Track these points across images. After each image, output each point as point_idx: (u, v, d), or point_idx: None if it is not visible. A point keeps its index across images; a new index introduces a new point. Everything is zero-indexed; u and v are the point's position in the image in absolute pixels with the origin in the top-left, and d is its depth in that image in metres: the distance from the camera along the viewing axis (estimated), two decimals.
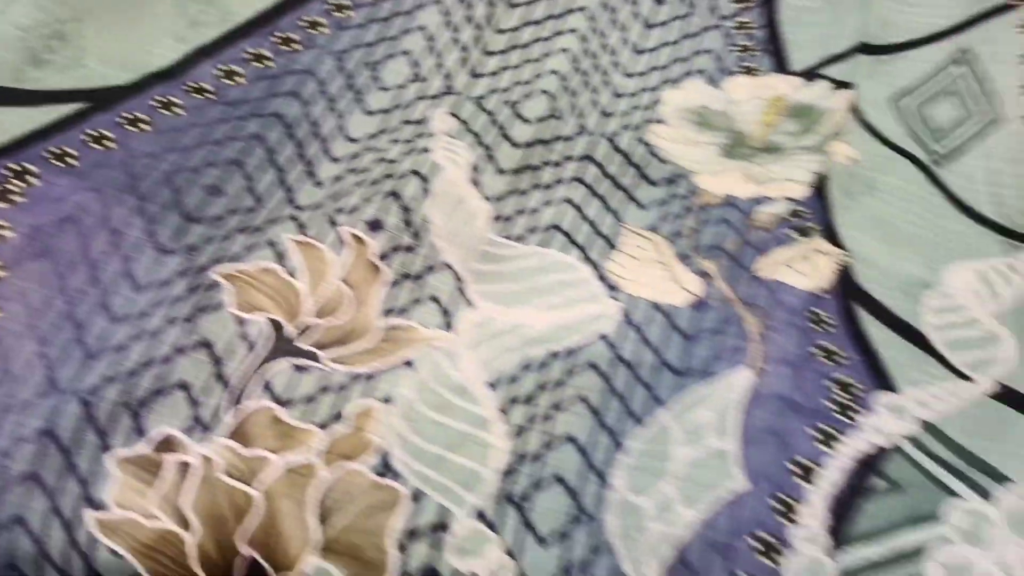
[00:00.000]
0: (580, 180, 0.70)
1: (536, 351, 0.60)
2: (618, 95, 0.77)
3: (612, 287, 0.63)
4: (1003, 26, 0.76)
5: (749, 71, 0.79)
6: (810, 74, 0.77)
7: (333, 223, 0.61)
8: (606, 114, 0.75)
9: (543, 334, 0.61)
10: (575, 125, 0.73)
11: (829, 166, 0.70)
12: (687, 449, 0.54)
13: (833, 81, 0.76)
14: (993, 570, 0.50)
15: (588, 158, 0.71)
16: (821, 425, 0.55)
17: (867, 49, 0.77)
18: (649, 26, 0.82)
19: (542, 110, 0.73)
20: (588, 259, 0.64)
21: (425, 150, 0.67)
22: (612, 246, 0.65)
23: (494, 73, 0.75)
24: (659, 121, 0.75)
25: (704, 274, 0.63)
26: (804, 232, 0.66)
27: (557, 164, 0.71)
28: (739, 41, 0.81)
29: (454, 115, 0.70)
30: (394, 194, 0.63)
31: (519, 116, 0.72)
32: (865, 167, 0.71)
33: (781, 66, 0.79)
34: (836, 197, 0.69)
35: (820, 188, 0.69)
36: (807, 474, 0.53)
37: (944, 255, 0.66)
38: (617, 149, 0.72)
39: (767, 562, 0.50)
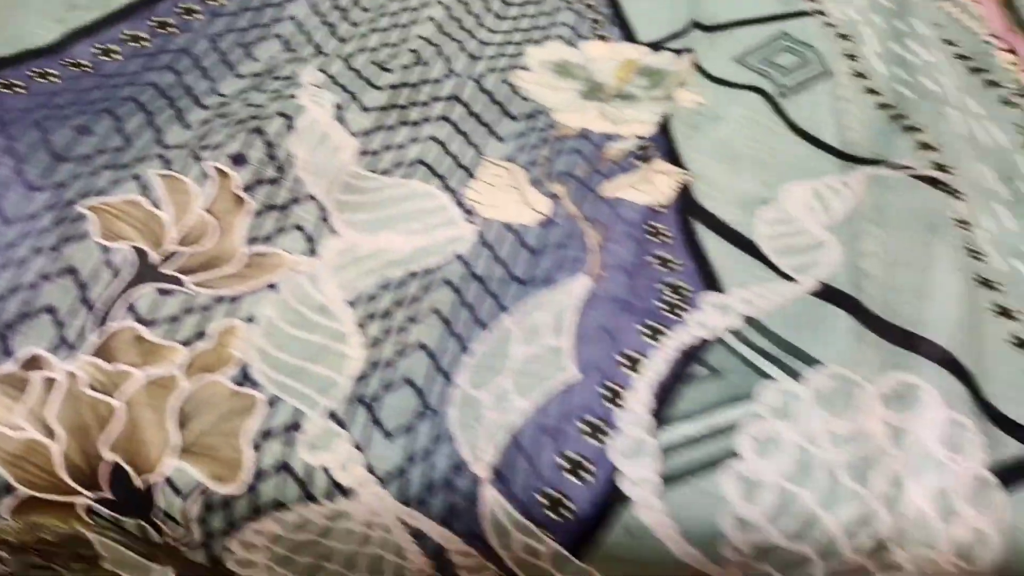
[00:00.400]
0: (446, 118, 0.74)
1: (396, 272, 0.64)
2: (484, 43, 0.83)
3: (469, 212, 0.67)
4: (809, 22, 0.89)
5: (603, 39, 0.86)
6: (655, 46, 0.86)
7: (198, 159, 0.65)
8: (474, 58, 0.80)
9: (403, 257, 0.65)
10: (443, 68, 0.78)
11: (675, 108, 0.77)
12: (525, 347, 0.58)
13: (675, 51, 0.85)
14: (798, 439, 0.55)
15: (455, 98, 0.76)
16: (650, 322, 0.60)
17: (700, 27, 0.87)
18: (507, 3, 0.90)
19: (407, 60, 0.78)
20: (448, 188, 0.69)
21: (292, 96, 0.71)
22: (471, 175, 0.70)
23: (363, 36, 0.81)
24: (524, 68, 0.81)
25: (553, 196, 0.68)
26: (647, 160, 0.71)
27: (425, 104, 0.75)
28: (588, 16, 0.89)
29: (322, 71, 0.75)
30: (258, 131, 0.66)
31: (384, 69, 0.77)
32: (710, 106, 0.78)
33: (630, 37, 0.87)
34: (680, 130, 0.75)
35: (665, 125, 0.75)
36: (634, 365, 0.58)
37: (782, 175, 0.72)
38: (483, 89, 0.77)
39: (594, 442, 0.54)
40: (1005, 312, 0.64)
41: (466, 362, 0.59)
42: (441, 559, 0.57)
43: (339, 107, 0.71)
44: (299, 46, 0.78)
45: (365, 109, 0.72)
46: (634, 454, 0.55)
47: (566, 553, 0.55)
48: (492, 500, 0.54)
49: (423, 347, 0.60)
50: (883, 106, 0.79)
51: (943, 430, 0.55)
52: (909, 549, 0.52)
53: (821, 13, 0.90)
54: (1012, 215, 0.70)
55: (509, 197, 0.68)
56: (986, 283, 0.65)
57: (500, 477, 0.54)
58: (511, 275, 0.63)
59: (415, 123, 0.73)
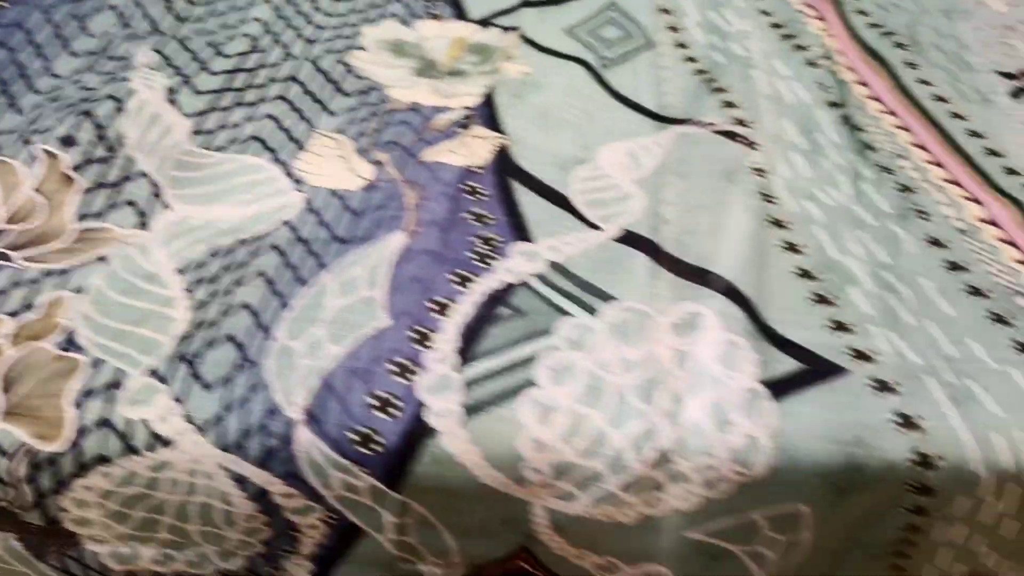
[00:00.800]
0: (283, 97, 0.78)
1: (226, 240, 0.67)
2: (320, 28, 0.87)
3: (298, 181, 0.71)
4: None
5: (435, 17, 0.91)
6: (484, 23, 0.91)
7: (27, 142, 0.67)
8: (310, 41, 0.84)
9: (234, 226, 0.68)
10: (280, 54, 0.82)
11: (500, 80, 0.82)
12: (340, 300, 0.62)
13: (502, 27, 0.90)
14: (591, 366, 0.59)
15: (292, 78, 0.80)
16: (460, 271, 0.64)
17: (529, 4, 0.92)
18: None
19: (243, 47, 0.82)
20: (278, 160, 0.72)
21: (124, 79, 0.74)
22: (302, 148, 0.73)
23: (200, 19, 0.84)
24: (360, 48, 0.85)
25: (377, 163, 0.72)
26: (467, 127, 0.76)
27: (262, 86, 0.79)
28: None
29: (157, 51, 0.78)
30: (87, 113, 0.69)
31: (220, 53, 0.81)
32: (535, 76, 0.83)
33: (461, 15, 0.92)
34: (502, 99, 0.79)
35: (490, 96, 0.80)
36: (443, 309, 0.62)
37: (600, 137, 0.77)
38: (319, 69, 0.81)
39: (402, 381, 0.58)
40: (792, 247, 0.69)
41: (285, 317, 0.62)
42: (266, 502, 0.61)
43: (171, 90, 0.75)
44: (134, 20, 0.81)
45: (198, 92, 0.76)
46: (439, 389, 0.58)
47: (381, 486, 0.59)
48: (306, 440, 0.57)
49: (246, 307, 0.63)
50: (699, 72, 0.85)
51: (720, 349, 0.60)
52: (690, 458, 0.57)
53: None
54: (808, 163, 0.76)
55: (336, 166, 0.72)
56: (777, 223, 0.71)
57: (312, 418, 0.57)
58: (333, 236, 0.67)
59: (251, 104, 0.77)
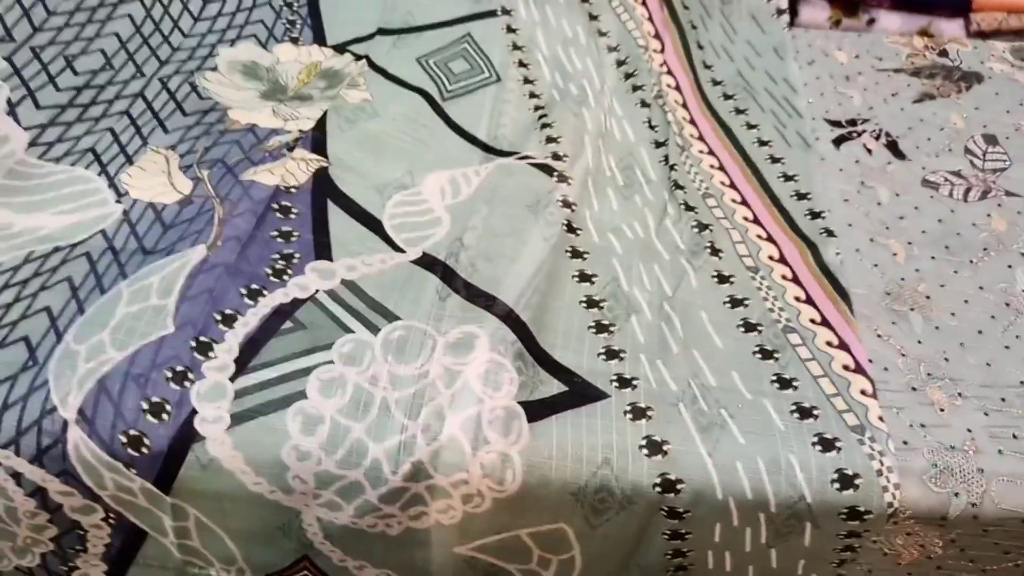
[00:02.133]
0: (127, 113, 0.81)
1: (43, 247, 0.70)
2: (176, 48, 0.90)
3: (121, 193, 0.74)
4: (493, 25, 0.97)
5: (295, 41, 0.94)
6: (340, 48, 0.94)
7: None
8: (162, 62, 0.87)
9: (53, 233, 0.71)
10: (131, 71, 0.85)
11: (337, 104, 0.85)
12: (131, 307, 0.64)
13: (355, 55, 0.93)
14: (360, 381, 0.62)
15: (140, 96, 0.83)
16: (253, 285, 0.67)
17: (385, 32, 0.95)
18: (207, 1, 0.97)
19: (95, 64, 0.85)
20: (106, 172, 0.75)
21: None
22: (131, 162, 0.76)
23: (58, 29, 0.87)
24: (212, 69, 0.88)
25: (196, 179, 0.75)
26: (292, 150, 0.79)
27: (109, 102, 0.82)
28: (286, 16, 0.97)
29: (7, 59, 0.81)
30: None
31: (71, 67, 0.84)
32: (374, 103, 0.86)
33: (320, 40, 0.95)
34: (334, 123, 0.83)
35: (323, 120, 0.83)
36: (229, 321, 0.64)
37: (428, 165, 0.81)
38: (167, 89, 0.84)
39: (177, 387, 0.61)
40: (585, 277, 0.72)
41: (78, 321, 0.65)
42: (45, 499, 0.63)
43: (10, 103, 0.78)
44: None
45: (39, 107, 0.79)
46: (211, 397, 0.61)
47: (153, 488, 0.61)
48: (77, 439, 0.59)
49: (47, 310, 0.66)
50: (536, 108, 0.89)
51: (485, 369, 0.63)
52: (446, 473, 0.60)
53: (509, 13, 0.99)
54: (620, 198, 0.80)
55: (157, 180, 0.75)
56: (576, 253, 0.74)
57: (85, 419, 0.60)
58: (141, 247, 0.70)
59: (95, 119, 0.80)
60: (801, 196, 0.82)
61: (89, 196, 0.74)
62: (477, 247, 0.72)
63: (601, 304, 0.71)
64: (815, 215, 0.80)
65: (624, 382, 0.65)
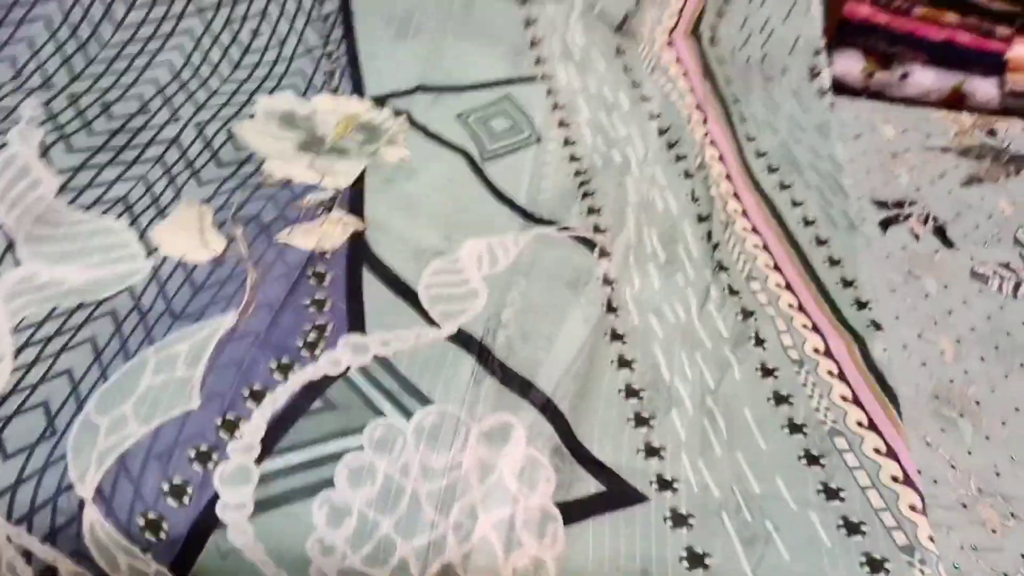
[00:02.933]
0: (161, 160, 0.79)
1: (69, 301, 0.68)
2: (213, 92, 0.88)
3: (151, 248, 0.71)
4: (534, 89, 0.96)
5: (334, 92, 0.92)
6: (380, 101, 0.92)
7: None
8: (199, 107, 0.85)
9: (79, 287, 0.69)
10: (167, 115, 0.83)
11: (376, 163, 0.83)
12: (156, 377, 0.62)
13: (394, 109, 0.91)
14: (391, 471, 0.59)
15: (175, 142, 0.81)
16: (284, 359, 0.64)
17: (425, 89, 0.93)
18: (246, 51, 0.95)
19: (131, 110, 0.83)
20: (136, 225, 0.73)
21: (3, 132, 0.75)
22: (164, 215, 0.74)
23: (97, 76, 0.86)
24: (250, 117, 0.86)
25: (231, 238, 0.73)
26: (331, 210, 0.76)
27: (143, 147, 0.80)
28: (325, 67, 0.95)
29: (45, 105, 0.79)
30: None
31: (108, 113, 0.82)
32: (413, 162, 0.84)
33: (358, 91, 0.93)
34: (373, 183, 0.80)
35: (361, 178, 0.81)
36: (257, 398, 0.62)
37: (467, 230, 0.78)
38: (202, 135, 0.82)
39: (200, 468, 0.58)
40: (625, 363, 0.70)
41: (99, 389, 0.62)
42: None
43: (43, 145, 0.76)
44: (28, 74, 0.83)
45: (72, 149, 0.77)
46: (235, 481, 0.58)
47: (169, 574, 0.59)
48: (93, 520, 0.57)
49: (68, 373, 0.63)
50: (578, 173, 0.87)
51: (521, 466, 0.60)
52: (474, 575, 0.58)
53: (548, 78, 0.97)
54: (662, 276, 0.77)
55: (190, 236, 0.72)
56: (616, 336, 0.72)
57: (103, 498, 0.57)
58: (169, 309, 0.67)
59: (128, 164, 0.78)
60: (847, 283, 0.79)
61: (118, 249, 0.71)
62: (514, 325, 0.70)
63: (641, 394, 0.68)
64: (861, 305, 0.77)
65: (664, 484, 0.62)
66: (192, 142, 0.81)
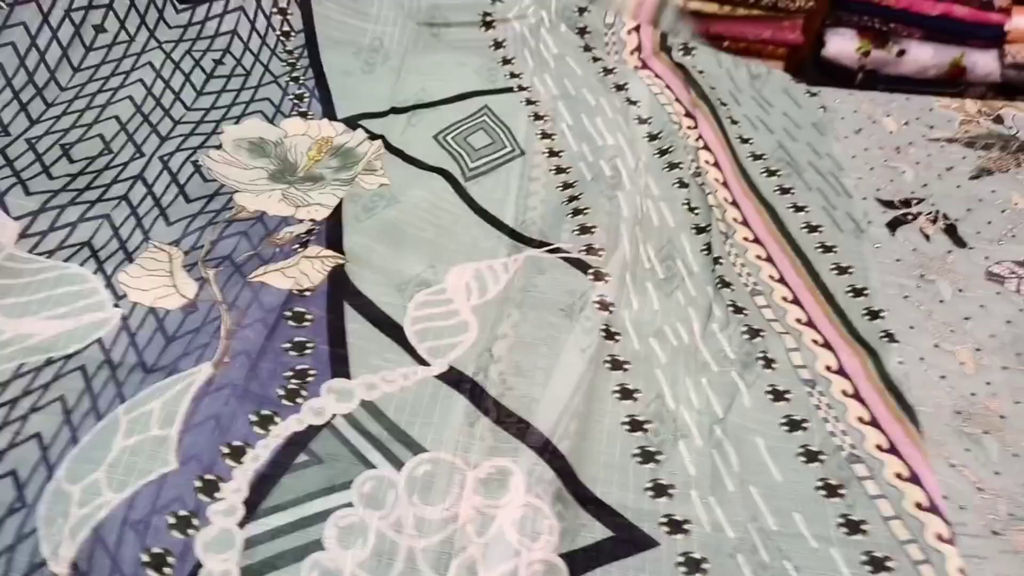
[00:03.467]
0: (126, 199, 0.75)
1: (35, 358, 0.64)
2: (177, 122, 0.84)
3: (119, 296, 0.68)
4: (512, 99, 0.92)
5: (303, 115, 0.88)
6: (352, 123, 0.88)
7: None
8: (163, 138, 0.81)
9: (45, 342, 0.65)
10: (131, 151, 0.79)
11: (353, 192, 0.79)
12: (128, 440, 0.58)
13: (368, 131, 0.87)
14: (383, 528, 0.56)
15: (140, 178, 0.77)
16: (264, 411, 0.60)
17: (398, 111, 0.89)
18: (211, 77, 0.91)
19: (93, 151, 0.79)
20: (103, 271, 0.69)
21: None
22: (130, 259, 0.70)
23: (55, 118, 0.81)
24: (217, 147, 0.82)
25: (202, 281, 0.69)
26: (307, 245, 0.72)
27: (106, 186, 0.76)
28: (293, 91, 0.91)
29: (2, 151, 0.75)
30: None
31: (68, 156, 0.77)
32: (392, 189, 0.79)
33: (330, 114, 0.89)
34: (351, 213, 0.76)
35: (338, 209, 0.76)
36: (237, 455, 0.58)
37: (452, 257, 0.74)
38: (168, 169, 0.78)
39: (180, 536, 0.54)
40: (627, 393, 0.66)
41: (70, 454, 0.58)
42: None
43: (0, 192, 0.72)
44: None
45: (29, 193, 0.73)
46: (218, 548, 0.55)
47: None
48: None
49: (37, 437, 0.60)
50: (566, 186, 0.82)
51: (522, 515, 0.56)
52: None
53: (524, 89, 0.93)
54: (661, 295, 0.73)
55: (160, 281, 0.68)
56: (616, 364, 0.68)
57: (79, 574, 0.53)
58: (141, 362, 0.63)
59: (90, 203, 0.74)
60: (857, 292, 0.75)
61: (84, 298, 0.67)
62: (508, 359, 0.66)
63: (645, 426, 0.64)
64: (873, 315, 0.73)
65: (675, 526, 0.58)
66: (157, 177, 0.77)
